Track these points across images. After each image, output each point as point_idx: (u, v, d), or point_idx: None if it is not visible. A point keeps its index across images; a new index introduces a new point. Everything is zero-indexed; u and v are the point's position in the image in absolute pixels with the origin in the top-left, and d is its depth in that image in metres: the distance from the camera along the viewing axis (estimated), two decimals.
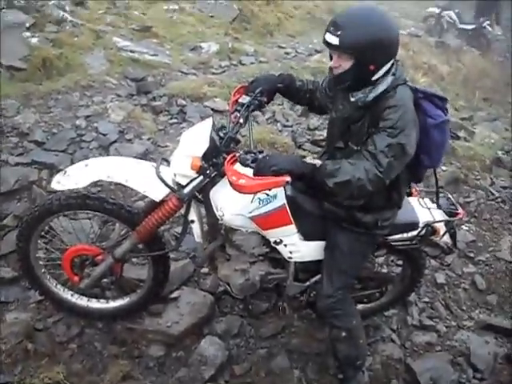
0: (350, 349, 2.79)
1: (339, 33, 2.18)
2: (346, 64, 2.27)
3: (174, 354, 3.11)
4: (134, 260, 3.39)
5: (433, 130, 2.42)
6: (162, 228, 3.35)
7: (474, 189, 5.16)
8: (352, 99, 2.45)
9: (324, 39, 2.26)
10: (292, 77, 2.81)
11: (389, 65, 2.32)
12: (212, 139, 2.46)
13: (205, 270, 3.51)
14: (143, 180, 2.57)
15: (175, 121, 5.19)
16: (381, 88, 2.34)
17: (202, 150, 2.43)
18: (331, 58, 2.35)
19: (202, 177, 2.48)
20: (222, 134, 2.52)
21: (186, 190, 2.51)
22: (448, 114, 2.48)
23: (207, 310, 3.27)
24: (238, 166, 2.28)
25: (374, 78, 2.32)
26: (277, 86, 2.74)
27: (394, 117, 2.25)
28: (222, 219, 2.55)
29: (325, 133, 2.79)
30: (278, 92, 2.78)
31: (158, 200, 2.58)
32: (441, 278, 4.01)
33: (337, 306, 2.68)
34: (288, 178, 2.14)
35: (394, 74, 2.35)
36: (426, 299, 3.82)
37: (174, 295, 3.30)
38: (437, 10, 13.13)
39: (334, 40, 2.20)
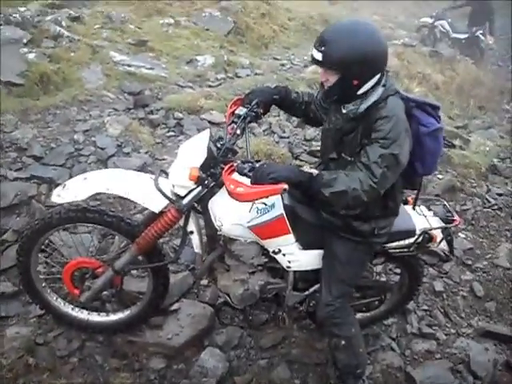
0: (350, 357, 2.79)
1: (323, 48, 2.23)
2: (332, 78, 2.31)
3: (175, 366, 3.10)
4: (133, 273, 3.40)
5: (426, 138, 2.44)
6: (161, 240, 3.36)
7: (471, 196, 5.19)
8: (344, 111, 2.48)
9: (311, 55, 2.30)
10: (288, 89, 2.84)
11: (375, 79, 2.34)
12: (209, 150, 2.48)
13: (204, 281, 3.51)
14: (142, 192, 2.58)
15: (172, 134, 5.21)
16: (371, 99, 2.37)
17: (200, 161, 2.45)
18: None
19: (200, 187, 2.50)
20: (219, 145, 2.54)
21: (185, 201, 2.53)
22: (441, 121, 2.51)
23: (207, 321, 3.27)
24: (235, 175, 2.31)
25: (359, 93, 2.35)
26: (273, 98, 2.76)
27: (386, 128, 2.27)
28: (220, 229, 2.57)
29: None
30: (274, 104, 2.80)
31: (157, 211, 2.59)
32: (439, 285, 4.02)
33: (336, 315, 2.69)
34: (285, 186, 2.16)
35: (384, 85, 2.38)
36: (425, 307, 3.82)
37: (173, 307, 3.30)
38: (430, 20, 13.21)
39: (318, 56, 2.25)
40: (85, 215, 2.70)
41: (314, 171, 2.35)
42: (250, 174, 2.25)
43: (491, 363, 3.37)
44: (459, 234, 4.62)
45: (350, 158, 2.43)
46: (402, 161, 2.30)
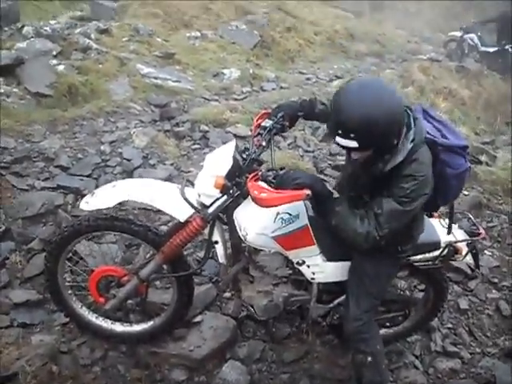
0: (374, 374, 2.74)
1: (352, 135, 2.12)
2: (365, 153, 2.26)
3: (197, 378, 3.08)
4: (157, 284, 3.42)
5: (452, 179, 2.41)
6: (185, 253, 3.37)
7: (497, 213, 5.12)
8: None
9: (336, 142, 2.21)
10: (312, 103, 2.79)
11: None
12: (235, 159, 2.50)
13: (227, 294, 3.51)
14: (168, 201, 2.60)
15: (198, 146, 5.25)
16: (399, 158, 2.25)
17: (226, 170, 2.47)
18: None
19: (225, 196, 2.51)
20: (244, 156, 2.56)
21: (210, 210, 2.54)
22: (468, 159, 2.44)
23: (230, 334, 3.25)
24: (260, 183, 2.33)
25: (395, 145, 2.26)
26: (297, 114, 2.77)
27: (408, 186, 2.23)
28: (245, 239, 2.56)
29: None
30: (301, 118, 2.81)
31: (182, 220, 2.61)
32: (464, 303, 3.94)
33: (364, 329, 2.65)
34: (308, 192, 2.17)
35: (413, 140, 2.26)
36: (450, 325, 3.76)
37: (196, 319, 3.28)
38: (458, 34, 13.16)
39: (351, 143, 2.15)
40: (113, 223, 2.73)
41: (335, 193, 2.36)
42: (274, 181, 2.26)
43: None
44: (485, 251, 4.54)
45: (367, 199, 2.43)
46: (413, 214, 2.33)
